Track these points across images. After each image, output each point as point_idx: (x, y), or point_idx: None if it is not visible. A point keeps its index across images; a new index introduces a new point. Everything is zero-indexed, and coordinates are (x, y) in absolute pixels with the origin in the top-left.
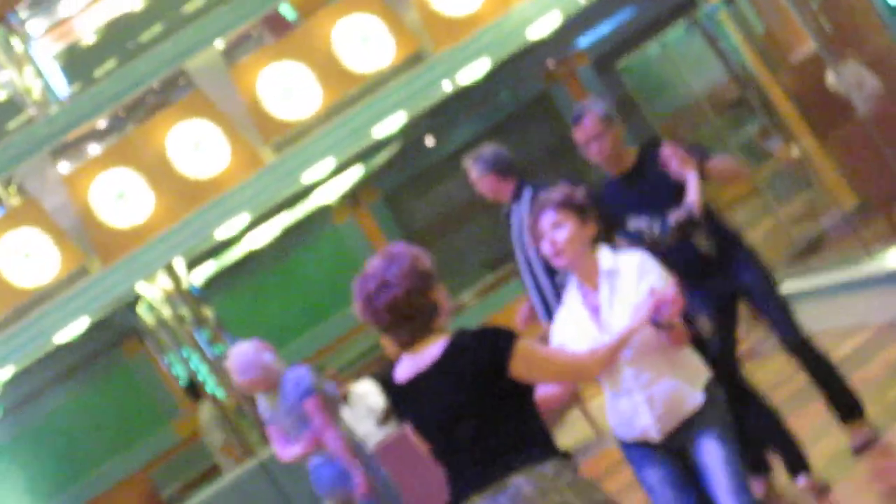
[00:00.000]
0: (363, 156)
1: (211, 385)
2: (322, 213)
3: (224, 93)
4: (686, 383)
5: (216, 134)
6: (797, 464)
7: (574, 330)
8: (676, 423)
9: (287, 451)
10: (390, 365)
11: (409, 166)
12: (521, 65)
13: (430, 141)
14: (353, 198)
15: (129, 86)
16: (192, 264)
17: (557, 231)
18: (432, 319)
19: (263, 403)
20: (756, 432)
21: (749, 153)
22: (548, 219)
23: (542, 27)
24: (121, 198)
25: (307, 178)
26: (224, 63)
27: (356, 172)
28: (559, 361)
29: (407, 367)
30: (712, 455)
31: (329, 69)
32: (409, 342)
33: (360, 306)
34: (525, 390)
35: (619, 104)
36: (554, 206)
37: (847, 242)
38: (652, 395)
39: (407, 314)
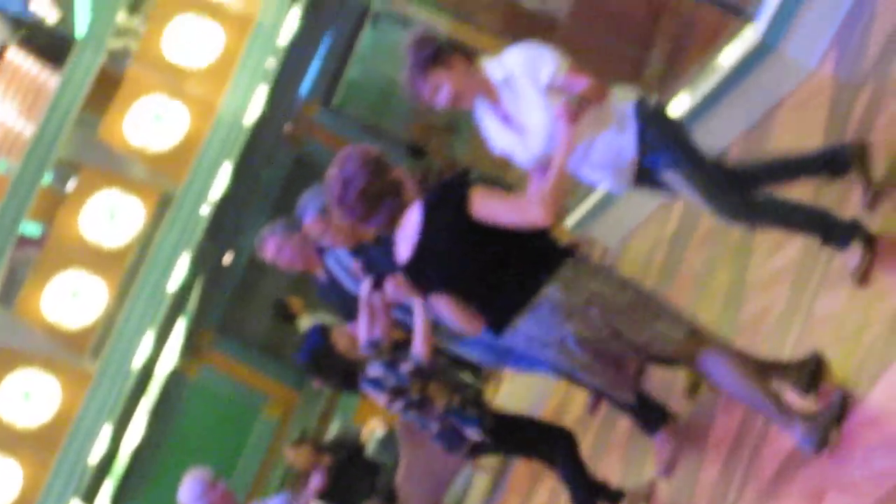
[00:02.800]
0: (175, 310)
1: None
2: (175, 380)
3: (17, 335)
4: (615, 132)
5: (38, 376)
6: None
7: (506, 140)
8: (632, 171)
9: None
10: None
11: (224, 289)
12: (260, 146)
13: (227, 258)
14: (192, 349)
15: None
16: (88, 498)
17: (439, 93)
18: (401, 195)
19: None
20: None
21: None
22: (426, 90)
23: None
24: None
25: (137, 362)
26: (2, 305)
27: (180, 327)
28: (507, 207)
29: (403, 245)
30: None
31: (95, 263)
32: (391, 222)
33: (337, 210)
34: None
35: (366, 130)
36: (420, 74)
37: None
38: (592, 161)
39: (376, 198)
